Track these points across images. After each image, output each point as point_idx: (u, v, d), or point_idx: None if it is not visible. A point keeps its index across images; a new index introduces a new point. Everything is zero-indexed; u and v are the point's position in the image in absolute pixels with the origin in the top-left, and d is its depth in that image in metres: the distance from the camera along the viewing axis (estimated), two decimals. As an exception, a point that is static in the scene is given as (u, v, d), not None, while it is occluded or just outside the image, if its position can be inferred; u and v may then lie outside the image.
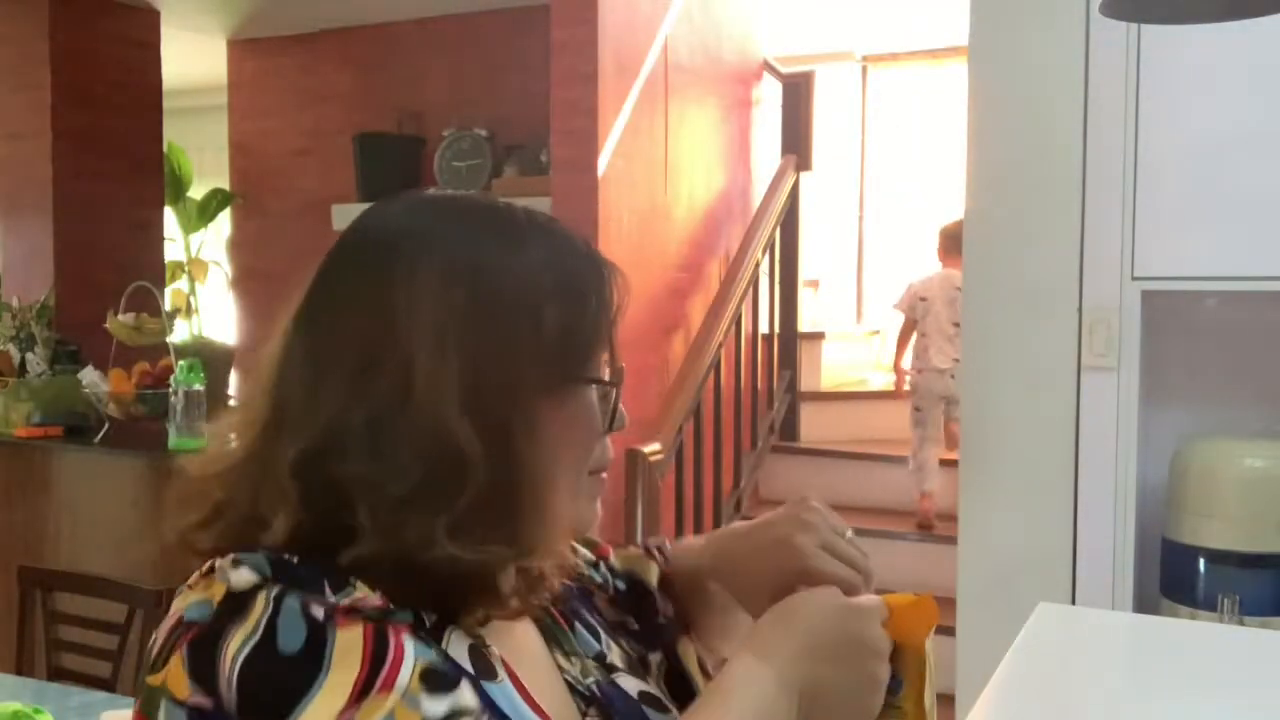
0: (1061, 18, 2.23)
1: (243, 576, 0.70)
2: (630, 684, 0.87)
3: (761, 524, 0.93)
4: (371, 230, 0.81)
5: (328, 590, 0.70)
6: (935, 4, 5.40)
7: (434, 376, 0.73)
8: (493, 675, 0.75)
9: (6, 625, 2.61)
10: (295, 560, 0.72)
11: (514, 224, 0.81)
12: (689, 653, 0.99)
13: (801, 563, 0.86)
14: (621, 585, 0.99)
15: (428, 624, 0.75)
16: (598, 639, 0.90)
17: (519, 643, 0.82)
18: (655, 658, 0.96)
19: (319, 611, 0.69)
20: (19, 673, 2.34)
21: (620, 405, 0.84)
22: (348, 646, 0.68)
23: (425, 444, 0.72)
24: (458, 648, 0.75)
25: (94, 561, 3.09)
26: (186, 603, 0.71)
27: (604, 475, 0.86)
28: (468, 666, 0.74)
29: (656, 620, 0.98)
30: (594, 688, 0.84)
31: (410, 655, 0.69)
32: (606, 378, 0.83)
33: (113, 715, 1.78)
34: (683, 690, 0.95)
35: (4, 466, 3.90)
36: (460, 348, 0.74)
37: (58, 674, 2.44)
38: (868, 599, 0.81)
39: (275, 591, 0.69)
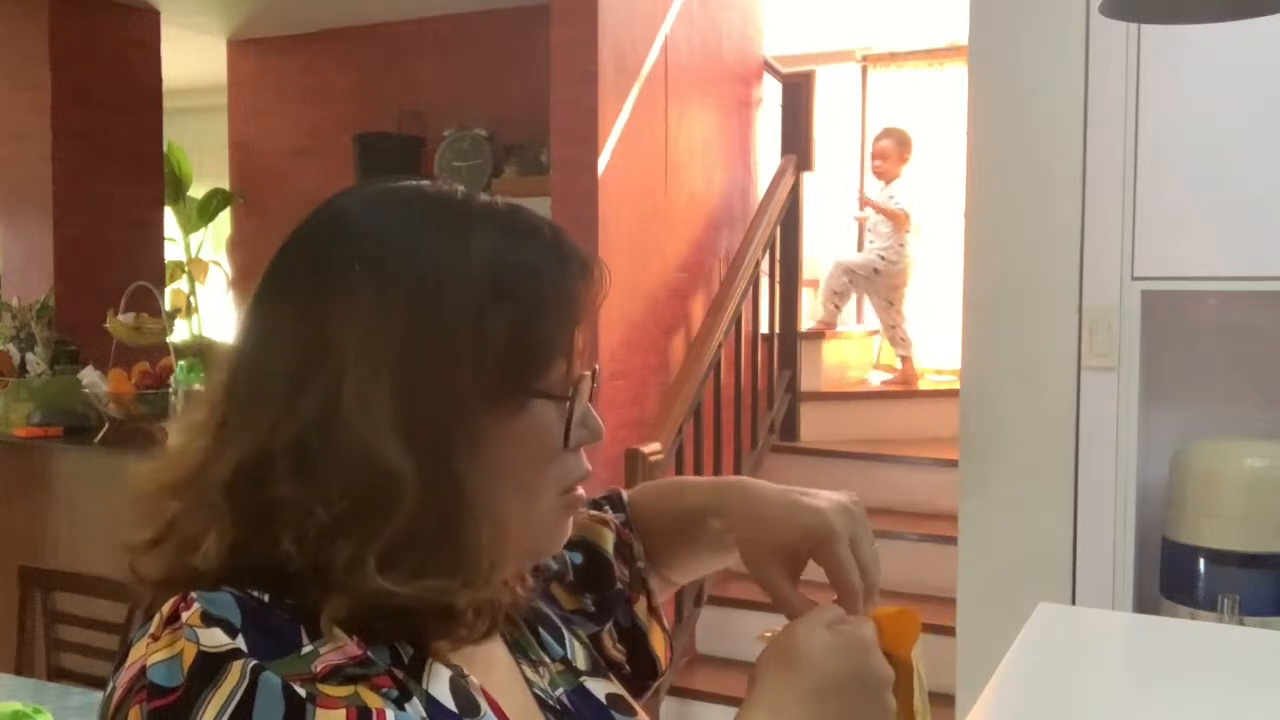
0: (1061, 18, 2.23)
1: (214, 638, 0.64)
2: (598, 688, 0.87)
3: (802, 491, 0.90)
4: (317, 224, 0.76)
5: (304, 638, 0.66)
6: (935, 4, 5.40)
7: (364, 390, 0.68)
8: (476, 712, 0.72)
9: (6, 625, 2.61)
10: (266, 599, 0.67)
11: (462, 217, 0.74)
12: (641, 607, 0.99)
13: (827, 540, 0.84)
14: (578, 559, 0.96)
15: (405, 659, 0.71)
16: (561, 641, 0.88)
17: (487, 660, 0.78)
18: (608, 627, 0.95)
19: (301, 691, 0.64)
20: (19, 673, 2.34)
21: (593, 415, 0.79)
22: None
23: (353, 465, 0.68)
24: (438, 684, 0.72)
25: (94, 561, 3.09)
26: (151, 659, 0.65)
27: (579, 492, 0.80)
28: (451, 706, 0.71)
29: (615, 587, 0.96)
30: (563, 699, 0.83)
31: None
32: (566, 389, 0.75)
33: (113, 715, 1.78)
34: (637, 643, 0.97)
35: (4, 466, 3.90)
36: (394, 359, 0.68)
37: (58, 674, 2.45)
38: (862, 628, 0.79)
39: (251, 665, 0.64)
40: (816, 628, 0.78)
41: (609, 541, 0.99)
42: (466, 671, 0.74)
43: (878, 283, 5.16)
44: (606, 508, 1.02)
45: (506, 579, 0.74)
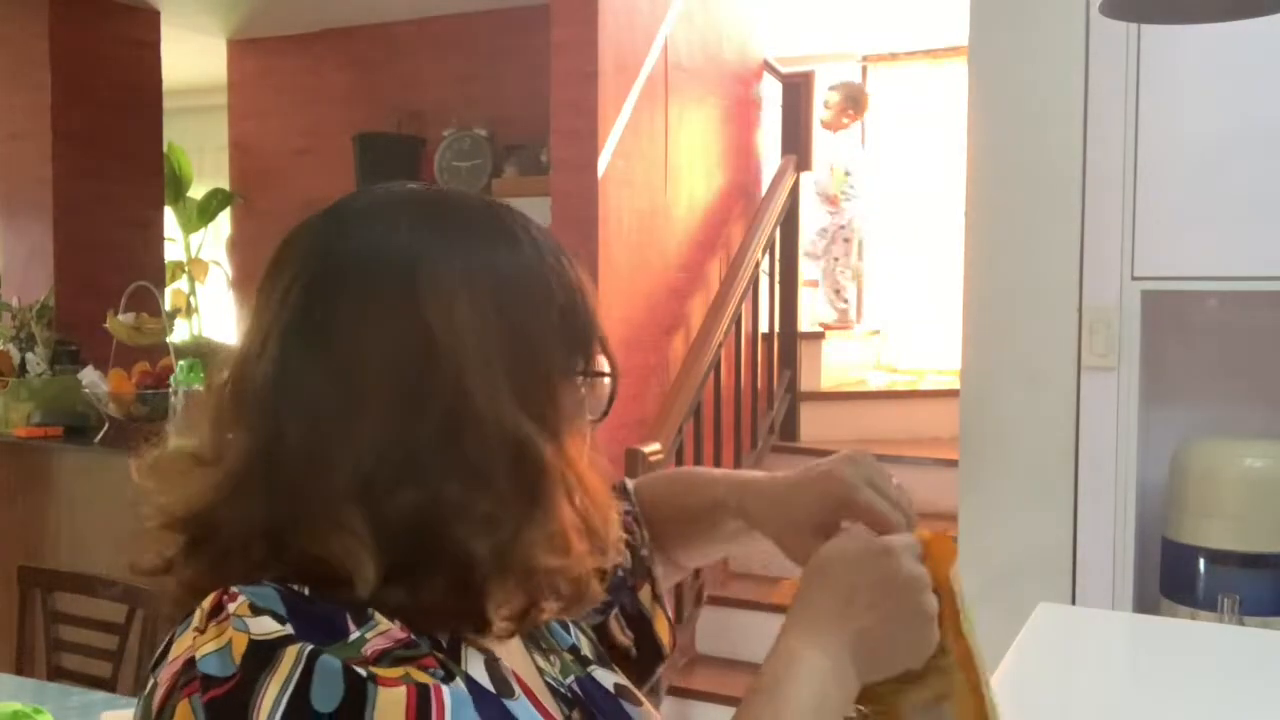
0: (1061, 18, 2.23)
1: (264, 625, 0.65)
2: (605, 678, 0.88)
3: (805, 468, 0.93)
4: (368, 251, 0.76)
5: (350, 624, 0.67)
6: (935, 4, 5.40)
7: (490, 386, 0.72)
8: (510, 693, 0.74)
9: (6, 625, 2.61)
10: (306, 592, 0.69)
11: (504, 222, 0.79)
12: (645, 594, 1.00)
13: (846, 493, 0.87)
14: None
15: (444, 644, 0.73)
16: (567, 629, 0.90)
17: (503, 649, 0.79)
18: (615, 613, 0.97)
19: (361, 672, 0.64)
20: (19, 673, 2.34)
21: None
22: (390, 709, 0.64)
23: (500, 451, 0.72)
24: (475, 666, 0.74)
25: (94, 561, 3.09)
26: (201, 651, 0.65)
27: None
28: (489, 685, 0.73)
29: (617, 575, 0.97)
30: (574, 688, 0.84)
31: (450, 716, 0.66)
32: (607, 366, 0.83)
33: (113, 715, 1.78)
34: (643, 629, 0.99)
35: (4, 466, 3.90)
36: (503, 355, 0.73)
37: (58, 674, 2.44)
38: (899, 536, 0.81)
39: (308, 650, 0.64)
40: (845, 540, 0.81)
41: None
42: (498, 656, 0.76)
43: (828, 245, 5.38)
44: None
45: (617, 549, 0.80)
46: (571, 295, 0.79)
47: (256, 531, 0.71)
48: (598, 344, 0.82)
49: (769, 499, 0.95)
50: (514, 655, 0.82)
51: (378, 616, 0.69)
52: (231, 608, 0.66)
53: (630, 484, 1.08)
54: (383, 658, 0.67)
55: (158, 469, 0.76)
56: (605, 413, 0.83)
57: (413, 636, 0.69)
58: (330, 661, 0.64)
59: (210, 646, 0.65)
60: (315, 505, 0.70)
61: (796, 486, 0.92)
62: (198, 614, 0.67)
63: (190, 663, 0.65)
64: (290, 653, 0.64)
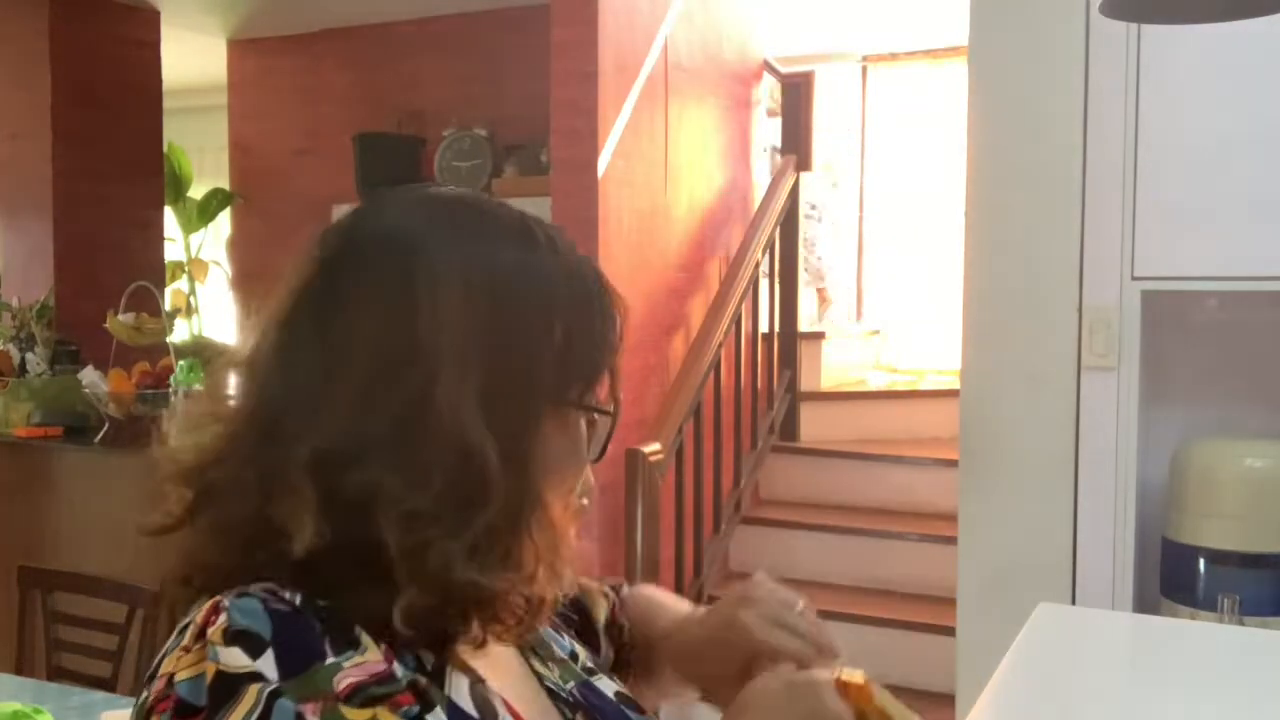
0: (1061, 18, 2.23)
1: (234, 658, 0.66)
2: (607, 686, 0.88)
3: (711, 609, 0.92)
4: (383, 232, 0.77)
5: (329, 650, 0.68)
6: (935, 4, 5.40)
7: (457, 388, 0.71)
8: (494, 717, 0.74)
9: (6, 625, 2.61)
10: (299, 601, 0.69)
11: (529, 232, 0.78)
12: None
13: (751, 642, 0.85)
14: (573, 615, 0.99)
15: (429, 666, 0.73)
16: (563, 640, 0.90)
17: (495, 657, 0.79)
18: None
19: (313, 718, 0.65)
20: (19, 673, 2.34)
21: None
22: None
23: (447, 456, 0.71)
24: (459, 690, 0.74)
25: (94, 561, 3.09)
26: (180, 674, 0.67)
27: (586, 503, 0.84)
28: (472, 712, 0.73)
29: (595, 658, 0.96)
30: (575, 693, 0.84)
31: None
32: (607, 404, 0.80)
33: (112, 715, 1.78)
34: None
35: (4, 466, 3.90)
36: (481, 360, 0.72)
37: (58, 674, 2.44)
38: (819, 672, 0.79)
39: (268, 691, 0.65)
40: (768, 679, 0.80)
41: (603, 613, 1.00)
42: (483, 676, 0.76)
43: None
44: (609, 586, 1.04)
45: (564, 581, 0.78)
46: (589, 321, 0.78)
47: (249, 492, 0.72)
48: (604, 379, 0.80)
49: (686, 655, 0.94)
50: (506, 663, 0.81)
51: (364, 640, 0.69)
52: (210, 632, 0.67)
53: (625, 593, 1.05)
54: (354, 694, 0.67)
55: (183, 419, 0.78)
56: (600, 454, 0.81)
57: (394, 668, 0.69)
58: (285, 705, 0.65)
59: (187, 673, 0.67)
60: (276, 467, 0.71)
61: (709, 641, 0.90)
62: (190, 629, 0.69)
63: (170, 681, 0.67)
64: (251, 692, 0.65)
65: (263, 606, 0.68)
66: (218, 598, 0.69)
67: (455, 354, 0.72)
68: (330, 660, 0.67)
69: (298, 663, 0.66)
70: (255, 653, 0.66)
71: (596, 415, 0.80)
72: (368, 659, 0.69)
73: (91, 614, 2.47)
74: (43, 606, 2.49)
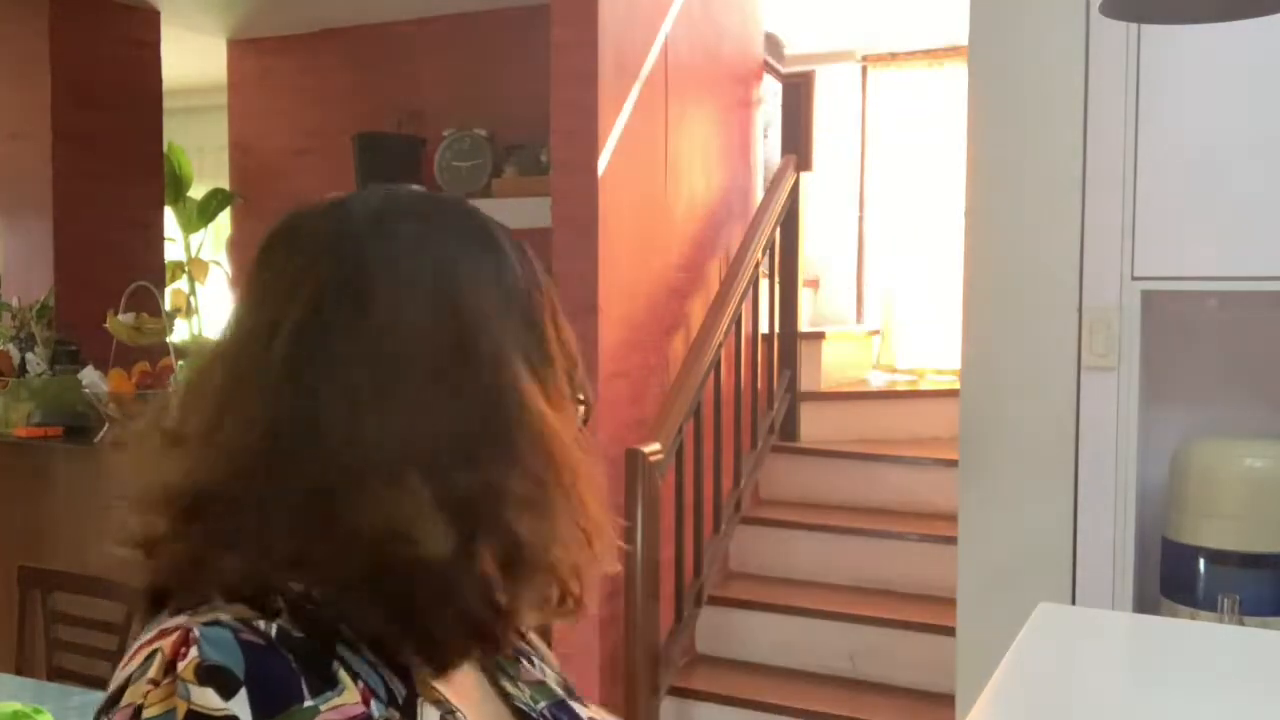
0: (1061, 18, 2.23)
1: (206, 698, 0.63)
2: (580, 710, 0.87)
3: None
4: (400, 243, 0.76)
5: (305, 691, 0.65)
6: (935, 4, 5.40)
7: (520, 376, 0.74)
8: None
9: (6, 625, 2.61)
10: (273, 633, 0.67)
11: (505, 230, 0.82)
12: None
13: None
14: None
15: (400, 700, 0.71)
16: (533, 664, 0.89)
17: (459, 684, 0.78)
18: None
19: None
20: (19, 673, 2.34)
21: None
22: None
23: (539, 446, 0.73)
24: None
25: (94, 561, 3.09)
26: (149, 710, 0.64)
27: None
28: None
29: (569, 680, 0.95)
30: (547, 713, 0.83)
31: None
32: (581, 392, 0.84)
33: (113, 715, 1.78)
34: None
35: (4, 466, 3.90)
36: (523, 351, 0.76)
37: (58, 674, 2.44)
38: None
39: None
40: None
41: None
42: (454, 706, 0.75)
43: None
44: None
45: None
46: (558, 314, 0.82)
47: (268, 509, 0.69)
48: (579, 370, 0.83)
49: None
50: (472, 690, 0.80)
51: (341, 678, 0.67)
52: (180, 667, 0.64)
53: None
54: None
55: (131, 448, 0.75)
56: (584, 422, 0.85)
57: (371, 709, 0.68)
58: None
59: (157, 709, 0.64)
60: (367, 470, 0.69)
61: None
62: (158, 659, 0.66)
63: (138, 713, 0.64)
64: None
65: (235, 638, 0.65)
66: (186, 626, 0.66)
67: (503, 346, 0.75)
68: (308, 703, 0.65)
69: (273, 704, 0.64)
70: (228, 693, 0.63)
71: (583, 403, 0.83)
72: (345, 700, 0.66)
73: (91, 614, 2.47)
74: (43, 606, 2.49)
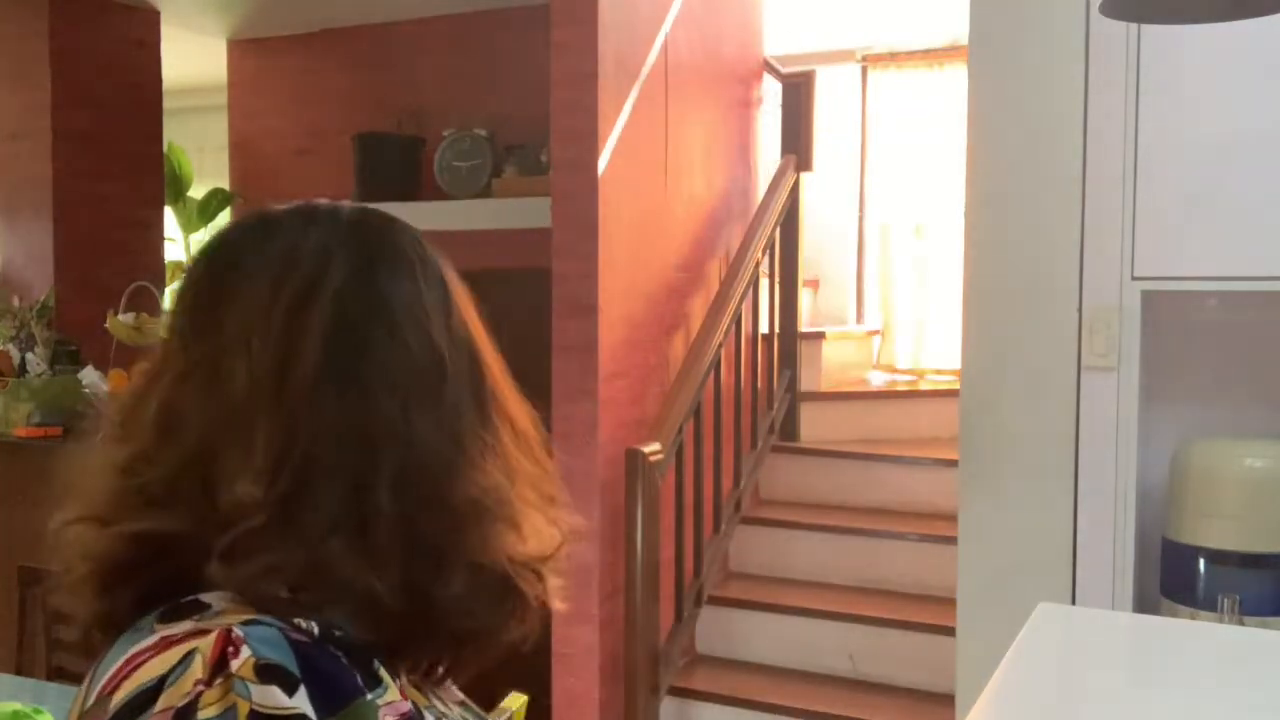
0: (1061, 18, 2.23)
1: (271, 697, 0.61)
2: None
3: None
4: (360, 264, 0.77)
5: (361, 684, 0.65)
6: (935, 4, 5.40)
7: (499, 377, 0.78)
8: None
9: (6, 625, 2.61)
10: (316, 632, 0.66)
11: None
12: None
13: None
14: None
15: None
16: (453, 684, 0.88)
17: (414, 695, 0.77)
18: None
19: None
20: (19, 673, 2.34)
21: None
22: None
23: (510, 442, 0.76)
24: None
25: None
26: (204, 712, 0.61)
27: None
28: None
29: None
30: None
31: None
32: None
33: (113, 715, 1.78)
34: None
35: (4, 466, 3.90)
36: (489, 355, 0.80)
37: (58, 674, 2.44)
38: None
39: None
40: None
41: None
42: (445, 710, 0.76)
43: None
44: None
45: None
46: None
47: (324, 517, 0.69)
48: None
49: None
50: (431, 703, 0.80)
51: (384, 678, 0.67)
52: (235, 665, 0.62)
53: None
54: None
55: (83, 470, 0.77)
56: None
57: (413, 706, 0.69)
58: None
59: (214, 710, 0.61)
60: (455, 455, 0.72)
61: None
62: (197, 659, 0.63)
63: (184, 715, 0.61)
64: None
65: (284, 639, 0.64)
66: (223, 627, 0.64)
67: (477, 352, 0.77)
68: (369, 696, 0.64)
69: (334, 700, 0.62)
70: (290, 689, 0.62)
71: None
72: (393, 698, 0.67)
73: (91, 614, 2.47)
74: (43, 606, 2.49)
